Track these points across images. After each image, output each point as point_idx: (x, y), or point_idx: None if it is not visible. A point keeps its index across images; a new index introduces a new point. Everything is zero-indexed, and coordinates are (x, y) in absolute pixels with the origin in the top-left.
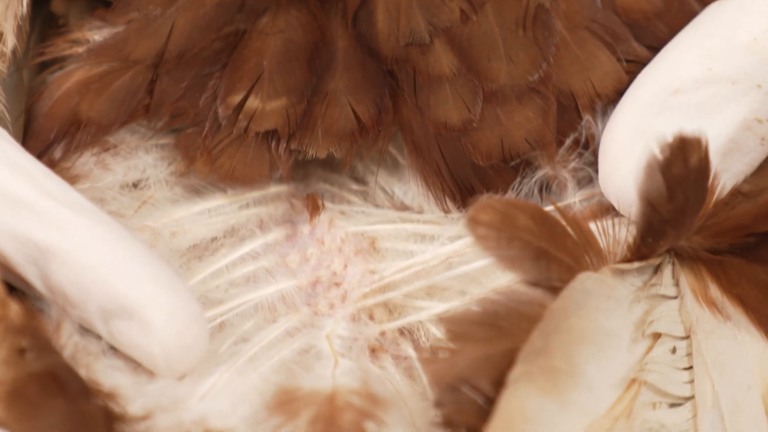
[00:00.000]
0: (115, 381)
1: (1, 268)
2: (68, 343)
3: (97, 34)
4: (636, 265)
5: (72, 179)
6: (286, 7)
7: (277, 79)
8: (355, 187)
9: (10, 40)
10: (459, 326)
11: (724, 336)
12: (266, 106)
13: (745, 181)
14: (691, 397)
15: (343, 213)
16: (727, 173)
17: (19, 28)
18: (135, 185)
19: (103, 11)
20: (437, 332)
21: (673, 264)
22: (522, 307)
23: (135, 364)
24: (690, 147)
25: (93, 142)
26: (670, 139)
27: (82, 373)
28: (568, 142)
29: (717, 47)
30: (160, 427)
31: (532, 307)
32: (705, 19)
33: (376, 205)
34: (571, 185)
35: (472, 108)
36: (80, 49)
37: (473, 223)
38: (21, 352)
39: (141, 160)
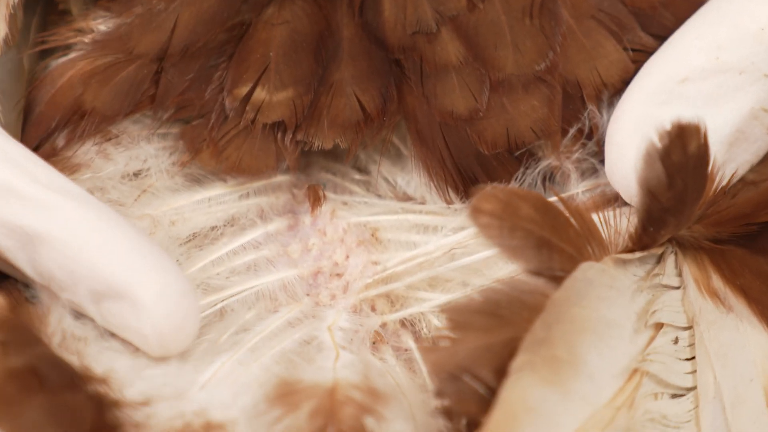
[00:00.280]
0: (110, 365)
1: None
2: (57, 330)
3: (101, 24)
4: (638, 255)
5: (73, 168)
6: None
7: (284, 70)
8: (357, 176)
9: (2, 28)
10: (460, 315)
11: (727, 327)
12: (273, 98)
13: (751, 170)
14: (693, 388)
15: (345, 203)
16: (733, 163)
17: (12, 16)
18: (136, 175)
19: (108, 1)
20: (439, 323)
21: (676, 254)
22: (524, 296)
23: (133, 347)
24: (689, 134)
25: (96, 132)
26: (668, 126)
27: (73, 360)
28: (572, 131)
29: (724, 36)
30: (161, 416)
31: (533, 297)
32: (712, 8)
33: (379, 196)
34: (574, 176)
35: (479, 97)
36: (85, 39)
37: (476, 212)
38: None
39: (142, 150)
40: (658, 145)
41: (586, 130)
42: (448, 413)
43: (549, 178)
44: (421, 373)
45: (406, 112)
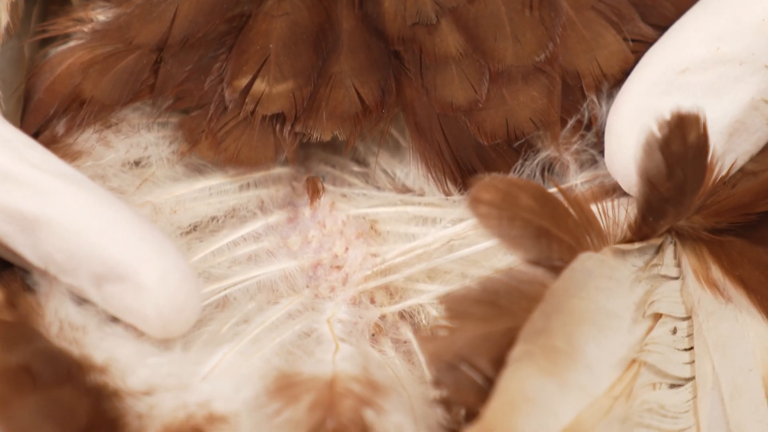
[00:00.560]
0: (112, 352)
1: None
2: (54, 320)
3: (101, 14)
4: (637, 245)
5: (74, 156)
6: None
7: (284, 62)
8: (356, 169)
9: (4, 17)
10: (458, 305)
11: (726, 318)
12: (273, 90)
13: (751, 160)
14: (692, 378)
15: (344, 196)
16: (733, 153)
17: (13, 5)
18: (136, 163)
19: None
20: (437, 315)
21: (675, 245)
22: (522, 286)
23: (136, 333)
24: (688, 124)
25: (96, 120)
26: (668, 116)
27: (73, 349)
28: (571, 122)
29: (725, 27)
30: (164, 407)
31: (532, 286)
32: None
33: (378, 188)
34: (573, 167)
35: (479, 88)
36: (84, 28)
37: (475, 202)
38: None
39: (143, 138)
40: (658, 134)
41: (585, 121)
42: (446, 403)
43: (548, 169)
44: (421, 365)
45: (404, 104)
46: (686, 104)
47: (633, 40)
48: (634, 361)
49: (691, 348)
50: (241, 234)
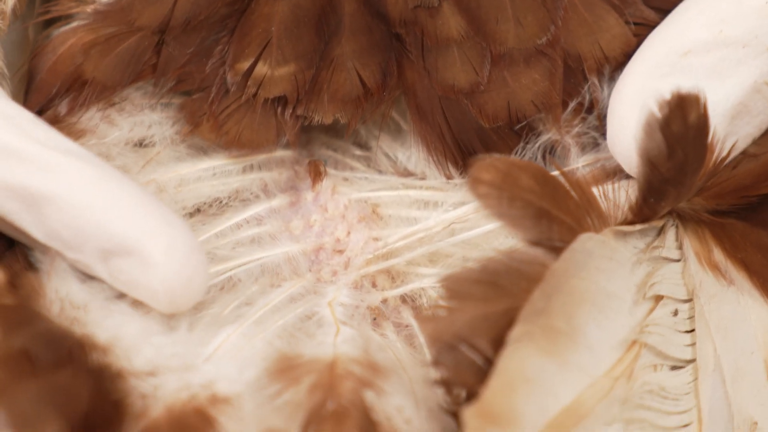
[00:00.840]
0: (116, 331)
1: None
2: (55, 299)
3: None
4: (638, 227)
5: (78, 134)
6: None
7: (286, 45)
8: (358, 152)
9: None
10: (458, 285)
11: (728, 300)
12: (275, 72)
13: (753, 143)
14: (693, 360)
15: (346, 179)
16: (735, 136)
17: None
18: (140, 143)
19: None
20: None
21: (677, 227)
22: (522, 266)
23: (140, 310)
24: (688, 104)
25: (98, 101)
26: (668, 96)
27: (74, 329)
28: (572, 105)
29: (728, 10)
30: (167, 388)
31: (532, 267)
32: None
33: (379, 171)
34: (574, 150)
35: (480, 71)
36: (87, 9)
37: (475, 182)
38: None
39: (147, 116)
40: (658, 115)
41: (587, 103)
42: (445, 384)
43: (549, 152)
44: (422, 349)
45: (405, 87)
46: (687, 85)
47: (635, 24)
48: (634, 342)
49: (693, 330)
50: (244, 217)
